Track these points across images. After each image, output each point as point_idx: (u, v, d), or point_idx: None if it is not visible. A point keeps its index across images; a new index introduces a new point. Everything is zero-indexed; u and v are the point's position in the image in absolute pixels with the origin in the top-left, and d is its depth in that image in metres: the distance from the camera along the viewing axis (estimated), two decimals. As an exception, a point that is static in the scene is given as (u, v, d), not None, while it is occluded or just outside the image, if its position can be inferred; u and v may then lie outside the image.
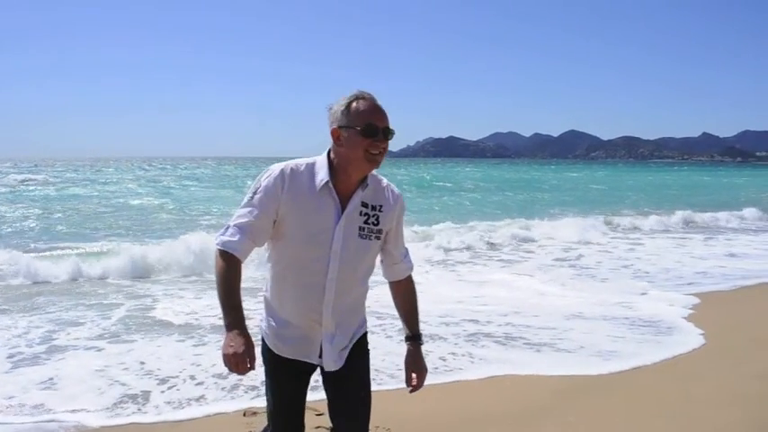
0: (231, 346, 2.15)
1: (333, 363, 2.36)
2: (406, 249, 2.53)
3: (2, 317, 6.75)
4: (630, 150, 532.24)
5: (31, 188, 30.39)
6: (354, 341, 2.44)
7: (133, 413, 4.33)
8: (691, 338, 5.89)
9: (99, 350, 5.71)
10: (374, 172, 2.35)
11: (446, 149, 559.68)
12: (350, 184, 2.27)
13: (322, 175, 2.25)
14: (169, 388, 4.77)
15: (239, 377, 4.63)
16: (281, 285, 2.34)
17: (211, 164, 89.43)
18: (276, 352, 2.39)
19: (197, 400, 4.55)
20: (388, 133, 2.23)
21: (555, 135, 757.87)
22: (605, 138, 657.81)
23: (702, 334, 5.99)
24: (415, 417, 4.05)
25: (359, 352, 2.46)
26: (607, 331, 6.24)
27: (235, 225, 2.28)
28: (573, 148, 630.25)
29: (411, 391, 2.50)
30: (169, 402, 4.50)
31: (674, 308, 7.14)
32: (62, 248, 11.11)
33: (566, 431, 3.80)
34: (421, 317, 2.55)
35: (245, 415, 4.19)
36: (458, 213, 19.14)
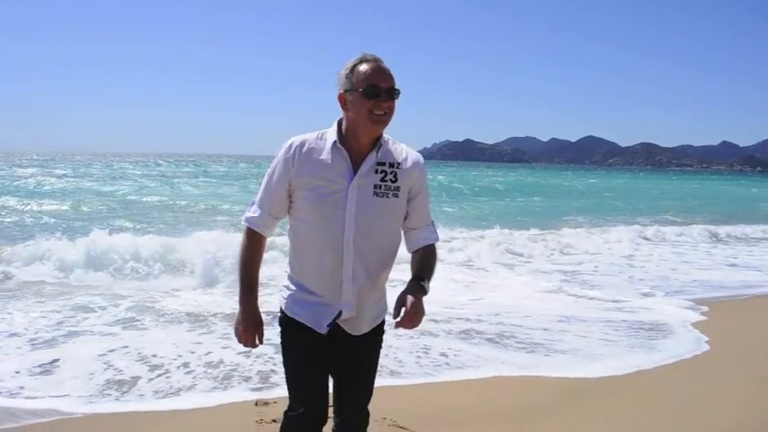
0: (241, 321, 2.40)
1: (352, 326, 2.33)
2: (432, 222, 2.47)
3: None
4: (648, 157, 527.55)
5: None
6: (374, 324, 2.42)
7: (115, 400, 4.42)
8: (695, 344, 5.98)
9: (112, 335, 5.94)
10: (390, 137, 2.36)
11: (462, 153, 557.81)
12: (362, 147, 2.28)
13: (331, 138, 2.28)
14: (158, 376, 4.90)
15: (238, 359, 4.75)
16: (302, 253, 2.35)
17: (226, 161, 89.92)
18: (293, 316, 2.38)
19: (186, 390, 4.65)
20: (392, 93, 2.23)
21: (573, 140, 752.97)
22: (623, 144, 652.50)
23: (707, 341, 6.07)
24: (419, 410, 4.16)
25: (372, 339, 2.45)
26: (618, 335, 6.36)
27: (257, 200, 2.40)
28: (591, 153, 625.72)
29: (396, 326, 2.15)
30: (156, 392, 4.60)
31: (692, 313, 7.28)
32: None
33: (567, 430, 3.90)
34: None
35: (256, 404, 4.29)
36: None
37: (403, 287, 2.23)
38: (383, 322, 2.48)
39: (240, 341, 2.42)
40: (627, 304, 7.80)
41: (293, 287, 2.40)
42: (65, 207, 18.72)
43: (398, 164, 2.31)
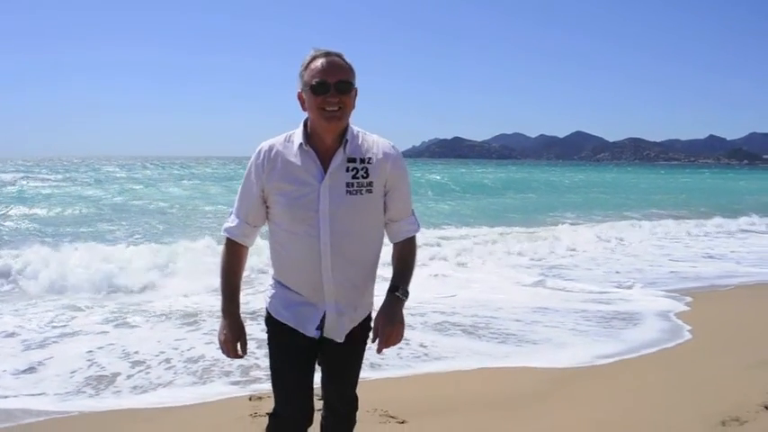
0: (224, 332, 2.36)
1: (335, 331, 2.31)
2: (412, 212, 2.43)
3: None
4: (636, 152, 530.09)
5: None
6: (359, 321, 2.38)
7: (89, 397, 4.48)
8: (663, 333, 6.12)
9: (103, 334, 6.05)
10: (361, 129, 2.31)
11: (451, 150, 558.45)
12: (328, 145, 2.22)
13: (298, 140, 2.23)
14: (138, 372, 4.99)
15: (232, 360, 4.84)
16: (281, 255, 2.32)
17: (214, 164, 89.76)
18: (277, 318, 2.36)
19: (165, 385, 4.73)
20: (341, 87, 2.15)
21: (561, 136, 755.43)
22: (611, 139, 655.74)
23: (690, 330, 6.20)
24: (406, 400, 4.24)
25: (360, 334, 2.41)
26: (590, 324, 6.51)
27: (233, 210, 2.38)
28: (579, 149, 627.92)
29: (378, 350, 2.27)
30: (135, 387, 4.69)
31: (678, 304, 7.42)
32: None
33: (554, 417, 3.99)
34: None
35: (250, 399, 4.35)
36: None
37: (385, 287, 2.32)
38: (369, 316, 2.43)
39: (222, 352, 2.39)
40: (603, 296, 7.95)
41: (277, 287, 2.37)
42: (45, 212, 18.46)
43: (369, 158, 2.24)
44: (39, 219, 16.62)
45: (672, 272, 10.03)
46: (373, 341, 2.29)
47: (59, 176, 39.76)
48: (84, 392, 4.58)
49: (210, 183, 35.01)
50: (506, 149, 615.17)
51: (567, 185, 42.30)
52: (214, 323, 6.23)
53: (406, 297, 2.33)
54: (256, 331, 3.88)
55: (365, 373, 4.63)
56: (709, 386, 4.41)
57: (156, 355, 5.40)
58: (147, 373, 5.00)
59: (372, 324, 2.32)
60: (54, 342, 5.77)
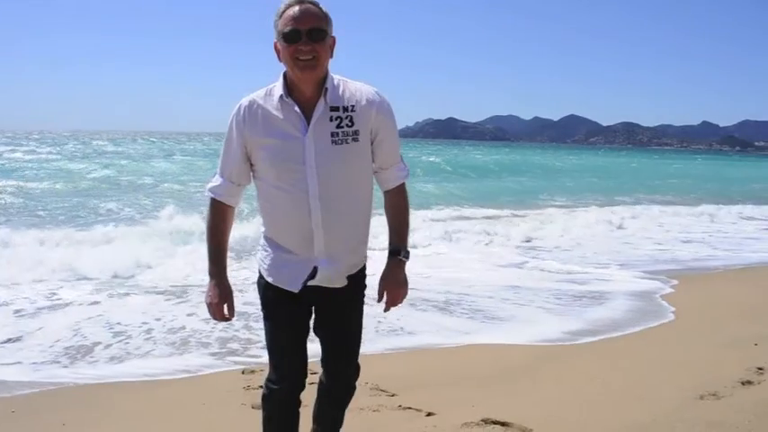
0: (210, 295, 2.33)
1: (331, 279, 2.26)
2: (401, 158, 2.38)
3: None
4: (630, 136, 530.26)
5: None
6: (354, 271, 2.34)
7: (62, 367, 4.55)
8: (628, 313, 6.27)
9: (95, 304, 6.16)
10: (343, 77, 2.24)
11: (445, 131, 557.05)
12: (309, 96, 2.16)
13: (278, 92, 2.17)
14: (118, 342, 5.10)
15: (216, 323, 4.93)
16: (270, 212, 2.28)
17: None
18: (268, 279, 2.32)
19: (141, 356, 4.82)
20: (314, 35, 2.08)
21: (555, 119, 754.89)
22: (605, 123, 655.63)
23: (674, 311, 6.31)
24: (395, 374, 4.32)
25: (355, 286, 2.36)
26: (559, 302, 6.70)
27: (217, 170, 2.32)
28: (572, 132, 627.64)
29: (385, 310, 2.38)
30: (112, 358, 4.78)
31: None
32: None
33: (541, 392, 4.09)
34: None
35: (243, 372, 4.43)
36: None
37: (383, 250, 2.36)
38: (364, 267, 2.40)
39: (210, 314, 2.36)
40: (579, 276, 8.10)
41: (268, 248, 2.32)
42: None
43: (352, 106, 2.18)
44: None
45: (656, 255, 10.13)
46: (379, 301, 2.36)
47: (49, 149, 39.47)
48: (59, 362, 4.65)
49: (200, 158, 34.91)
50: (500, 131, 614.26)
51: (559, 168, 42.36)
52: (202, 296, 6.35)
53: (408, 258, 2.36)
54: (237, 304, 3.93)
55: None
56: (689, 363, 4.53)
57: (139, 326, 5.51)
58: (126, 343, 5.10)
59: (378, 287, 2.35)
60: (46, 312, 5.86)
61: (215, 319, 2.36)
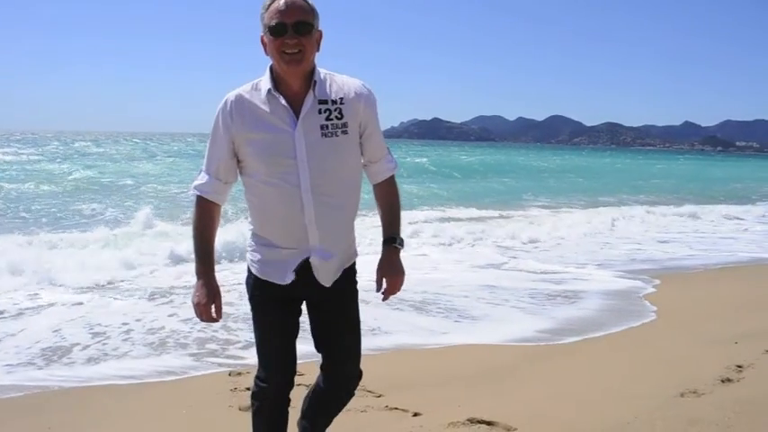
0: (198, 295, 2.27)
1: (323, 276, 2.25)
2: (388, 149, 2.39)
3: None
4: (613, 137, 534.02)
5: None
6: (345, 267, 2.33)
7: (37, 369, 4.55)
8: (646, 313, 6.32)
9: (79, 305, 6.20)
10: (328, 71, 2.23)
11: (430, 131, 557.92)
12: (296, 88, 2.15)
13: (265, 86, 2.15)
14: (96, 343, 5.11)
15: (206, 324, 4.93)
16: (261, 209, 2.24)
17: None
18: (263, 277, 2.29)
19: (119, 357, 4.84)
20: (300, 28, 2.06)
21: (539, 119, 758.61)
22: (589, 124, 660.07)
23: (655, 310, 6.40)
24: (380, 375, 4.28)
25: (347, 282, 2.36)
26: (532, 301, 6.79)
27: (203, 167, 2.27)
28: (557, 133, 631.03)
29: (384, 299, 2.39)
30: (89, 359, 4.79)
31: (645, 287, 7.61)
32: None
33: (526, 391, 4.13)
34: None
35: (230, 374, 4.44)
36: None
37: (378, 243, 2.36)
38: (354, 264, 2.40)
39: (197, 315, 2.30)
40: (556, 276, 8.19)
41: (259, 245, 2.29)
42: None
43: (341, 99, 2.17)
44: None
45: (638, 255, 10.24)
46: (378, 290, 2.36)
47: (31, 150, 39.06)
48: (35, 364, 4.66)
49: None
50: (485, 131, 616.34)
51: (543, 168, 42.60)
52: (186, 297, 6.40)
53: (403, 246, 2.39)
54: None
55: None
56: (671, 362, 4.60)
57: (118, 327, 5.54)
58: (104, 344, 5.12)
59: (376, 276, 2.36)
60: (29, 315, 5.86)
61: (202, 319, 2.30)
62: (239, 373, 4.44)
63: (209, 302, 2.28)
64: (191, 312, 5.86)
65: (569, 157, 70.56)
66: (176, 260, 8.08)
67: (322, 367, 2.45)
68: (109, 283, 7.17)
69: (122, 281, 7.33)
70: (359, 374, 2.47)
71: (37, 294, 6.54)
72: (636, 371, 4.43)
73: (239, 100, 2.17)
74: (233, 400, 3.96)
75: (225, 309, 5.71)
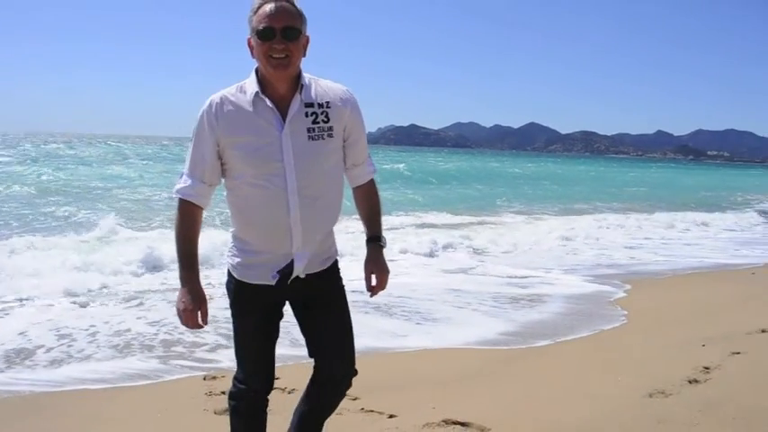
0: (183, 301, 2.23)
1: (302, 266, 2.24)
2: (368, 154, 2.42)
3: None
4: (588, 145, 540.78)
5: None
6: (328, 264, 2.35)
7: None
8: (616, 317, 6.44)
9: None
10: (313, 76, 2.24)
11: (407, 137, 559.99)
12: (282, 92, 2.15)
13: (252, 89, 2.15)
14: (60, 346, 5.09)
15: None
16: (245, 212, 2.23)
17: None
18: (247, 281, 2.28)
19: (81, 360, 4.82)
20: (287, 33, 2.07)
21: (515, 127, 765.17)
22: (564, 132, 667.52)
23: (626, 314, 6.52)
24: (357, 378, 4.40)
25: (334, 283, 2.38)
26: (493, 305, 6.90)
27: (185, 170, 2.24)
28: (532, 140, 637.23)
29: (371, 295, 2.44)
30: (53, 361, 4.77)
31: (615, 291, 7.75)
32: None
33: (498, 393, 4.19)
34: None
35: (204, 379, 4.43)
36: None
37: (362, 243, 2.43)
38: (336, 262, 2.42)
39: (182, 322, 2.26)
40: (522, 280, 8.31)
41: (242, 249, 2.29)
42: None
43: (327, 103, 2.20)
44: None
45: (610, 260, 10.39)
46: (367, 288, 2.43)
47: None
48: None
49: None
50: (462, 138, 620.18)
51: (518, 175, 42.92)
52: (157, 301, 6.49)
53: (386, 245, 2.46)
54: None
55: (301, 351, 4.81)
56: (640, 364, 4.71)
57: (85, 329, 5.52)
58: (70, 346, 5.10)
59: (364, 275, 2.42)
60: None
61: (188, 326, 2.27)
62: (214, 377, 4.45)
63: (194, 309, 2.24)
64: (158, 315, 5.91)
65: (544, 165, 71.19)
66: (147, 264, 7.99)
67: (315, 368, 2.45)
68: (78, 287, 7.05)
69: (91, 284, 7.22)
70: (353, 373, 2.46)
71: (3, 298, 6.48)
72: (606, 372, 4.52)
73: (224, 102, 2.16)
74: (208, 404, 3.97)
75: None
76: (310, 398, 2.50)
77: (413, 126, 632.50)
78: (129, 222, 12.07)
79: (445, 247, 10.89)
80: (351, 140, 2.30)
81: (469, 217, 15.82)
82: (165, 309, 6.16)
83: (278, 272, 2.24)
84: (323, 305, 2.36)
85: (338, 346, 2.40)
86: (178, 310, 2.25)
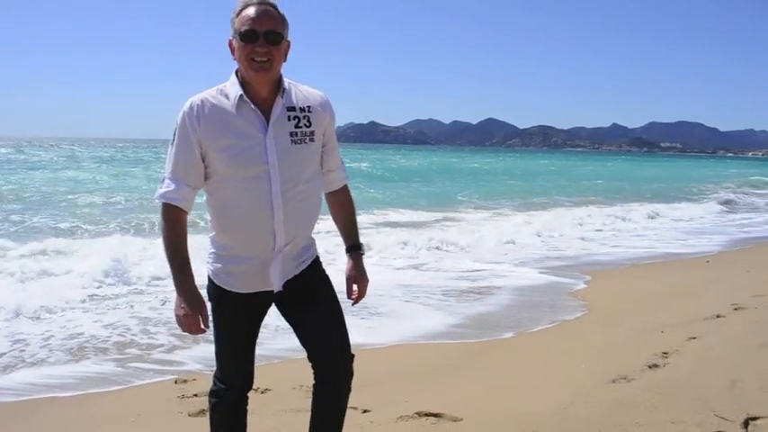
0: (182, 307, 2.18)
1: (279, 280, 2.26)
2: (341, 160, 2.45)
3: None
4: (545, 139, 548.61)
5: None
6: (307, 264, 2.35)
7: None
8: (578, 308, 6.63)
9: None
10: (291, 81, 2.26)
11: (367, 135, 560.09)
12: (264, 95, 2.16)
13: (234, 91, 2.15)
14: (12, 350, 5.10)
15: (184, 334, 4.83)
16: (227, 216, 2.21)
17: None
18: (228, 289, 2.28)
19: (33, 365, 4.82)
20: (270, 37, 2.08)
21: (474, 123, 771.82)
22: (522, 126, 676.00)
23: (587, 305, 6.72)
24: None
25: (318, 275, 2.39)
26: (438, 298, 7.09)
27: (167, 174, 2.20)
28: (491, 135, 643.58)
29: (353, 303, 2.48)
30: (5, 367, 4.76)
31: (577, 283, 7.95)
32: None
33: (466, 386, 4.30)
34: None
35: (176, 382, 4.45)
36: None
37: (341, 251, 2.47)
38: (318, 257, 2.43)
39: (183, 329, 2.22)
40: (474, 274, 8.48)
41: (222, 256, 2.28)
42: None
43: (308, 107, 2.23)
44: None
45: (569, 252, 10.62)
46: (349, 296, 2.48)
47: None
48: None
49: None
50: (421, 135, 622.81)
51: (477, 170, 43.33)
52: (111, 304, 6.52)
53: (365, 252, 2.54)
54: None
55: (282, 353, 4.86)
56: (601, 351, 4.88)
57: (40, 334, 5.51)
58: (22, 351, 5.10)
59: (346, 284, 2.48)
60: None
61: (189, 332, 2.22)
62: (185, 381, 4.47)
63: (195, 314, 2.20)
64: (113, 318, 5.85)
65: (503, 159, 72.00)
66: (105, 270, 7.88)
67: (314, 366, 2.43)
68: (33, 293, 6.95)
69: (47, 290, 7.11)
70: (350, 358, 2.44)
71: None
72: (571, 361, 4.68)
73: (205, 104, 2.15)
74: (182, 406, 3.98)
75: (141, 313, 5.59)
76: (319, 397, 2.47)
77: (372, 123, 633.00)
78: (85, 227, 11.89)
79: (403, 245, 10.88)
80: (328, 146, 2.34)
81: (432, 214, 15.93)
82: (120, 312, 6.16)
83: (281, 285, 2.28)
84: (308, 295, 2.35)
85: (328, 333, 2.38)
86: (178, 317, 2.21)
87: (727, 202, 22.00)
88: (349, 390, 2.48)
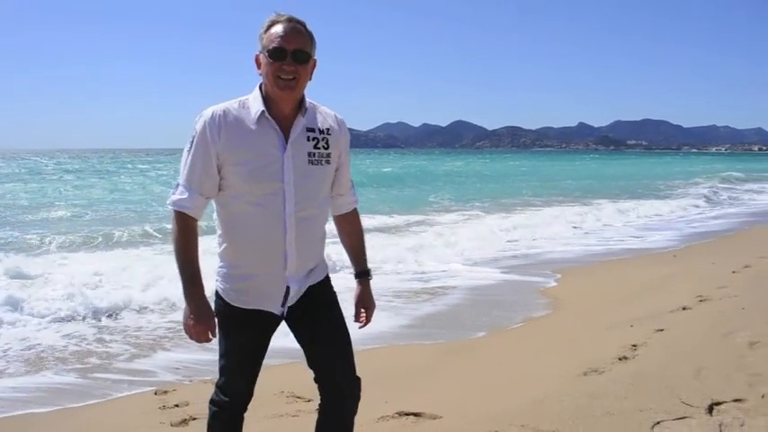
0: (191, 317, 2.17)
1: (297, 290, 2.25)
2: (352, 182, 2.43)
3: None
4: (514, 139, 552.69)
5: None
6: (317, 281, 2.33)
7: None
8: (548, 305, 6.79)
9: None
10: (312, 100, 2.25)
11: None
12: (286, 113, 2.15)
13: (257, 106, 2.13)
14: None
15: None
16: (238, 235, 2.20)
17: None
18: (238, 305, 2.25)
19: None
20: (298, 56, 2.08)
21: (443, 125, 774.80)
22: (490, 128, 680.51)
23: (558, 302, 6.89)
24: (304, 381, 4.51)
25: (326, 296, 2.37)
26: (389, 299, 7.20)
27: (182, 181, 2.17)
28: (460, 137, 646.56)
29: (360, 327, 2.48)
30: None
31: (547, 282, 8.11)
32: None
33: (444, 386, 4.41)
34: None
35: (156, 393, 4.46)
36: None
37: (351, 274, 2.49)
38: (328, 276, 2.41)
39: (192, 337, 2.20)
40: (438, 275, 8.61)
41: (232, 275, 2.25)
42: None
43: (327, 129, 2.22)
44: None
45: (538, 252, 10.82)
46: (356, 320, 2.49)
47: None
48: None
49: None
50: (391, 138, 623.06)
51: (447, 172, 43.54)
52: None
53: (372, 277, 2.56)
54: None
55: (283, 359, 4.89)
56: (573, 346, 5.03)
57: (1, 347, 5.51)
58: None
59: (354, 309, 2.49)
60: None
61: (198, 341, 2.21)
62: (165, 392, 4.50)
63: (203, 324, 2.19)
64: (71, 328, 5.78)
65: (473, 161, 72.38)
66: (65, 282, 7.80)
67: (320, 389, 2.40)
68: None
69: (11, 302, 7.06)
70: (356, 377, 2.43)
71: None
72: (544, 357, 4.82)
73: (227, 116, 2.13)
74: (164, 416, 4.01)
75: (95, 322, 5.56)
76: (325, 420, 2.43)
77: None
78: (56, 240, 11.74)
79: (371, 248, 10.79)
80: (342, 169, 2.33)
81: (405, 217, 15.99)
82: (78, 324, 6.12)
83: (282, 305, 2.27)
84: (316, 317, 2.33)
85: (335, 360, 2.35)
86: (187, 326, 2.20)
87: (693, 197, 22.48)
88: (355, 412, 2.45)
